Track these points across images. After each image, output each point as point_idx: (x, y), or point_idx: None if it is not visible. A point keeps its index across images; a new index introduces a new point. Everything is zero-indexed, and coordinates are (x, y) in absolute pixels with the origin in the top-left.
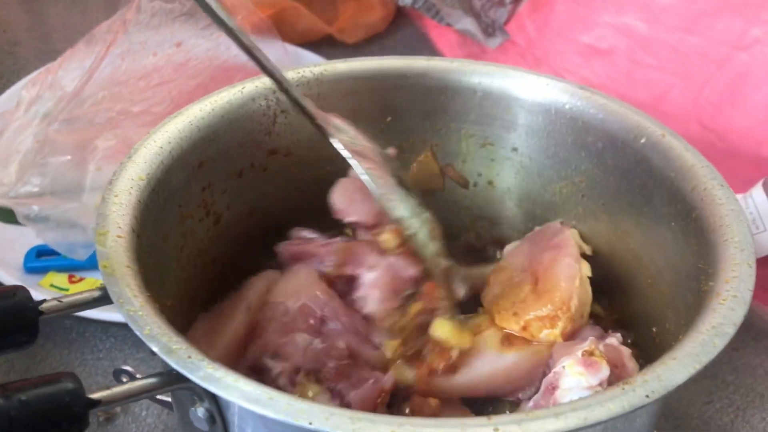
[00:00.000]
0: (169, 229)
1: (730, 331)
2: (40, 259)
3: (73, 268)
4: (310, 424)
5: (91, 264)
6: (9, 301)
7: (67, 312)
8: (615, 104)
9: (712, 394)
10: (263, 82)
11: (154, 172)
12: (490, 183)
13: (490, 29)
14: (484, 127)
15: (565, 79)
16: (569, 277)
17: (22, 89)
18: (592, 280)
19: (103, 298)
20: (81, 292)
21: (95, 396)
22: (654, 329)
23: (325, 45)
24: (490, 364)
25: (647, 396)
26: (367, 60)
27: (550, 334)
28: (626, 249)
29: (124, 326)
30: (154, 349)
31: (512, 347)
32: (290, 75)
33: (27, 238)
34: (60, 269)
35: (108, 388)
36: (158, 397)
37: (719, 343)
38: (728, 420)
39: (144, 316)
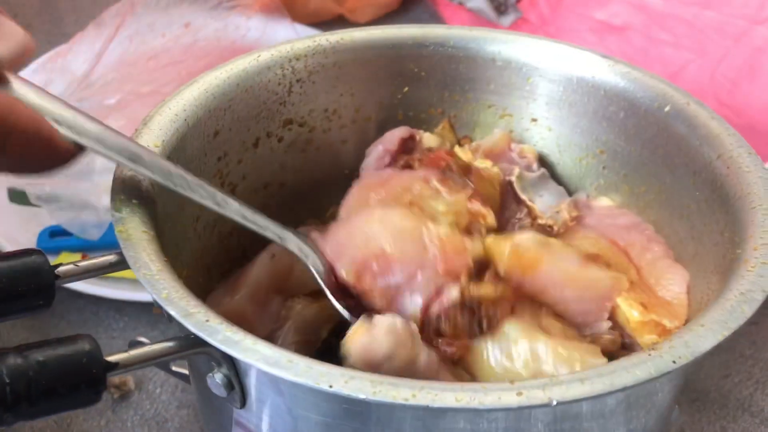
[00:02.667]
0: (184, 198)
1: (759, 297)
2: (54, 240)
3: (86, 248)
4: (330, 387)
5: (104, 244)
6: (25, 262)
7: (83, 277)
8: (638, 72)
9: (730, 368)
10: (278, 50)
11: (169, 139)
12: None
13: (502, 7)
14: (503, 98)
15: (587, 48)
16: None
17: (32, 73)
18: None
19: (119, 263)
20: (97, 258)
21: (112, 359)
22: None
23: (336, 25)
24: (565, 271)
25: (674, 362)
26: (385, 28)
27: (651, 340)
28: (648, 221)
29: (138, 306)
30: (172, 313)
31: (592, 265)
32: (306, 43)
33: (40, 218)
34: (73, 249)
35: (126, 351)
36: (174, 369)
37: (747, 310)
38: (747, 393)
39: (161, 280)
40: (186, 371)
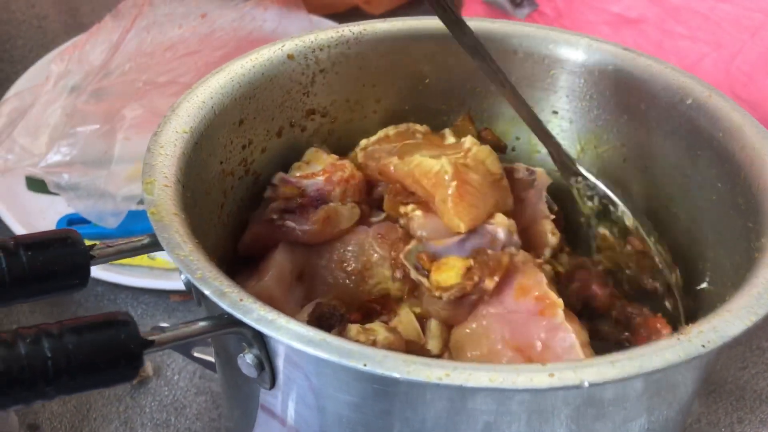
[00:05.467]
0: (210, 185)
1: None
2: (71, 228)
3: (104, 236)
4: (365, 365)
5: (121, 232)
6: (61, 243)
7: (117, 257)
8: (660, 65)
9: (746, 360)
10: (303, 40)
11: (197, 126)
12: (527, 147)
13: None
14: (523, 89)
15: (608, 40)
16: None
17: (50, 63)
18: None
19: (152, 245)
20: (130, 239)
21: (150, 337)
22: (696, 289)
23: (352, 16)
24: None
25: (703, 346)
26: (408, 20)
27: None
28: (669, 214)
29: (155, 293)
30: (207, 292)
31: None
32: (330, 34)
33: (58, 206)
34: (91, 238)
35: (162, 330)
36: (196, 355)
37: None
38: (764, 385)
39: (195, 261)
40: (208, 357)
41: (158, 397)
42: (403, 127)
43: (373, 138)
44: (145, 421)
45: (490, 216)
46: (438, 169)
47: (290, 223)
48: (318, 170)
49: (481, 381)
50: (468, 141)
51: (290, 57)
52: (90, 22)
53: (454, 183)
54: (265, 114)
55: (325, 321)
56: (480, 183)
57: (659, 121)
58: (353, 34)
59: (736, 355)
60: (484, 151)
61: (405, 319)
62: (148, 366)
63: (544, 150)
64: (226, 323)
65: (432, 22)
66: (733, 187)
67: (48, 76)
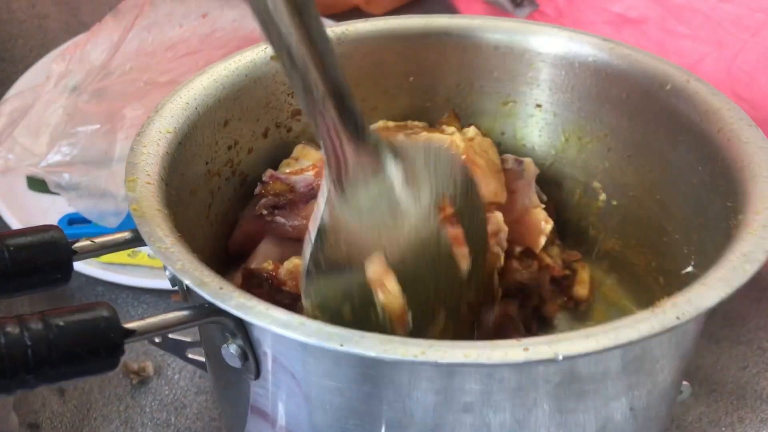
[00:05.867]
0: (196, 185)
1: (761, 257)
2: (72, 227)
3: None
4: (341, 346)
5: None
6: (42, 237)
7: (99, 253)
8: (639, 54)
9: (747, 360)
10: None
11: (180, 126)
12: (513, 142)
13: None
14: (506, 84)
15: (587, 32)
16: None
17: (51, 62)
18: (621, 230)
19: (134, 240)
20: (112, 234)
21: (130, 326)
22: (683, 273)
23: (352, 16)
24: None
25: (677, 318)
26: (389, 19)
27: None
28: (653, 200)
29: (155, 293)
30: (187, 282)
31: None
32: None
33: (59, 206)
34: (91, 237)
35: (142, 318)
36: (190, 356)
37: (750, 269)
38: (765, 385)
39: (176, 252)
40: (201, 358)
41: (159, 397)
42: (402, 122)
43: (373, 126)
44: (145, 420)
45: (488, 207)
46: (448, 144)
47: (280, 219)
48: (307, 166)
49: (456, 357)
50: (471, 131)
51: (273, 59)
52: (91, 22)
53: (463, 157)
54: (250, 115)
55: (255, 280)
56: (484, 168)
57: (640, 108)
58: (335, 34)
59: (737, 355)
60: (488, 142)
61: None
62: (149, 366)
63: (529, 145)
64: (208, 312)
65: (413, 21)
66: (712, 169)
67: (49, 76)
